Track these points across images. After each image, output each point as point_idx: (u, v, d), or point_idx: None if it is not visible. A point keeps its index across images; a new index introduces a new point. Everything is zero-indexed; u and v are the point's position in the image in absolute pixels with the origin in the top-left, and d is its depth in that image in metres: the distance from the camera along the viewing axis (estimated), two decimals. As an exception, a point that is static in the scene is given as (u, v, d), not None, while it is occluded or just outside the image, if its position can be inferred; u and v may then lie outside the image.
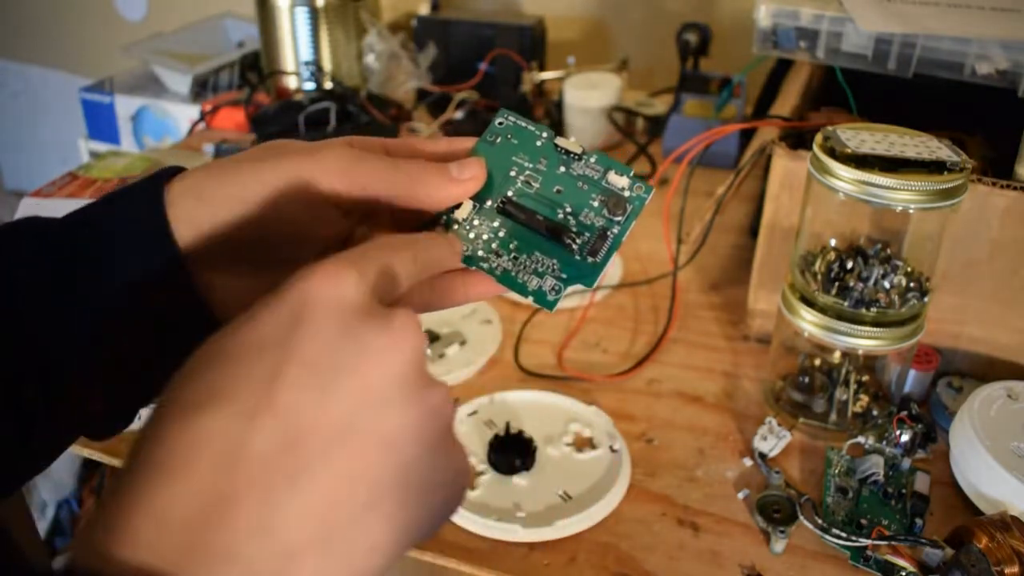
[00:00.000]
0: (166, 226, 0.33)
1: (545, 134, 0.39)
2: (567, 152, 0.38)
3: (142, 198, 0.34)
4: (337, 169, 0.34)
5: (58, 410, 0.34)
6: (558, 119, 1.08)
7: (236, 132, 1.10)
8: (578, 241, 0.37)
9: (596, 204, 0.37)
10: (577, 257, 0.36)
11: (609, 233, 0.37)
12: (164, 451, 0.24)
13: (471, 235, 0.37)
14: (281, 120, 1.02)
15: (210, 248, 0.33)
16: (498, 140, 0.39)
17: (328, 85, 1.09)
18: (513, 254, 0.37)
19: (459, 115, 1.09)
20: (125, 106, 1.22)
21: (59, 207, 0.78)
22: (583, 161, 0.38)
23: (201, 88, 1.20)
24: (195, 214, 0.33)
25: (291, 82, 1.11)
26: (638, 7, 1.31)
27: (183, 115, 1.19)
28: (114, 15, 1.76)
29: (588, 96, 1.07)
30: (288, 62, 1.10)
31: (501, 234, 0.37)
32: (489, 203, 0.38)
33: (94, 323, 0.33)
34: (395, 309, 0.27)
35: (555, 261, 0.36)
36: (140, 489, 0.23)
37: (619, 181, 0.37)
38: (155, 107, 1.21)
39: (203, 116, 1.13)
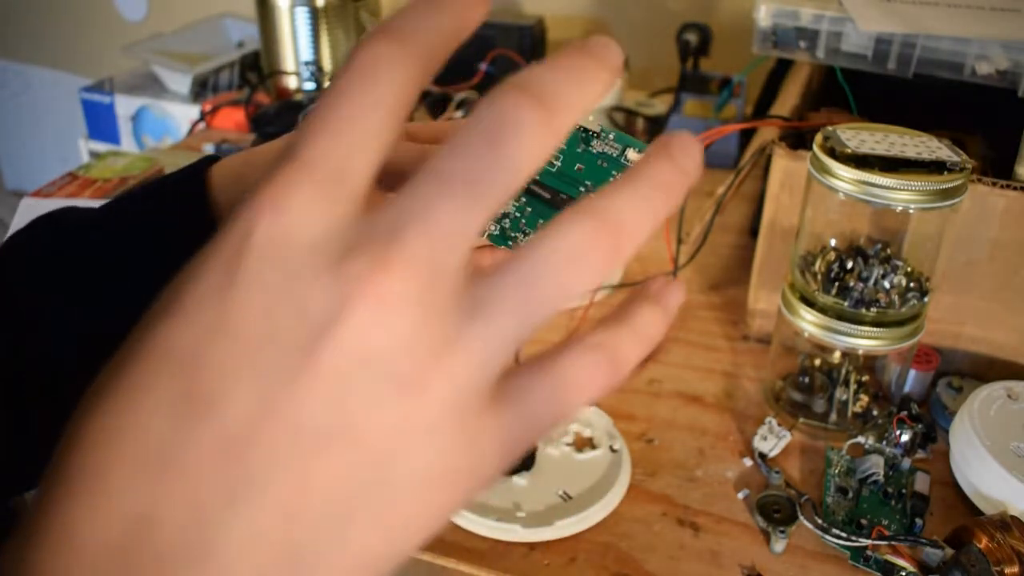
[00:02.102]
0: (210, 212, 0.34)
1: None
2: (586, 130, 0.39)
3: (185, 185, 0.34)
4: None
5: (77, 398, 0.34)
6: (558, 119, 1.08)
7: (236, 132, 1.10)
8: None
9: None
10: None
11: None
12: (77, 458, 0.18)
13: (498, 214, 0.38)
14: (281, 120, 1.02)
15: None
16: None
17: (328, 85, 1.08)
18: (532, 230, 0.38)
19: (459, 115, 1.09)
20: (125, 106, 1.22)
21: (59, 207, 0.78)
22: (601, 139, 0.39)
23: (201, 88, 1.20)
24: (235, 197, 0.34)
25: (291, 82, 1.11)
26: (638, 7, 1.31)
27: (183, 115, 1.19)
28: (114, 15, 1.76)
29: (588, 96, 1.06)
30: (288, 62, 1.10)
31: (527, 212, 0.38)
32: None
33: (137, 312, 0.33)
34: (369, 249, 0.18)
35: None
36: (51, 506, 0.18)
37: (637, 158, 0.38)
38: (155, 107, 1.21)
39: (203, 116, 1.13)
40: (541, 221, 0.38)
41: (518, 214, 0.38)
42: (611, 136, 0.39)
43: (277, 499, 0.18)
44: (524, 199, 0.38)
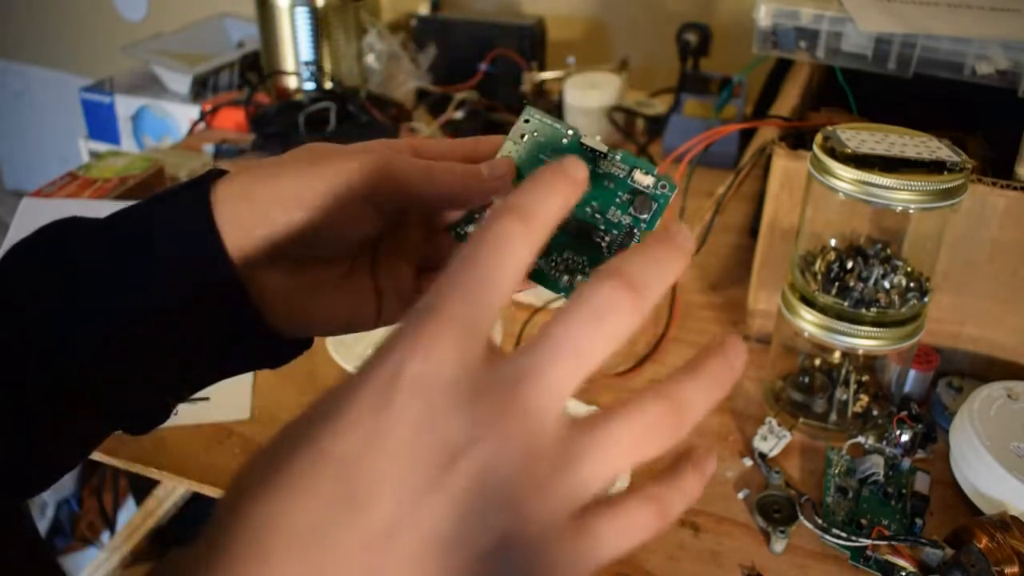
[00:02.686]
0: (214, 227, 0.34)
1: (571, 132, 0.39)
2: (592, 150, 0.39)
3: (189, 199, 0.35)
4: (375, 172, 0.35)
5: (97, 406, 0.34)
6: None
7: (236, 132, 1.10)
8: (607, 239, 0.37)
9: (622, 202, 0.38)
10: (606, 255, 0.37)
11: (636, 231, 0.38)
12: (241, 536, 0.22)
13: None
14: (281, 120, 1.02)
15: (254, 247, 0.34)
16: (524, 138, 0.39)
17: (328, 85, 1.09)
18: (544, 252, 0.37)
19: (459, 115, 1.09)
20: (125, 106, 1.22)
21: (59, 207, 0.78)
22: (608, 159, 0.39)
23: (201, 88, 1.20)
24: (241, 215, 0.34)
25: (291, 82, 1.11)
26: (638, 7, 1.31)
27: (183, 115, 1.19)
28: (114, 15, 1.76)
29: (588, 96, 1.07)
30: (288, 62, 1.10)
31: None
32: None
33: (137, 319, 0.33)
34: (494, 396, 0.23)
35: (585, 259, 0.37)
36: (220, 571, 0.22)
37: (644, 180, 0.38)
38: (155, 107, 1.21)
39: (203, 116, 1.13)
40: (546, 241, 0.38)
41: None
42: (618, 157, 0.39)
43: None
44: None
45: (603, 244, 0.37)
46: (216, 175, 0.36)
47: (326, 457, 0.23)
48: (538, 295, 0.75)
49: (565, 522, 0.24)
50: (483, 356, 0.24)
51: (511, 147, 0.39)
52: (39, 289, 0.33)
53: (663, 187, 0.38)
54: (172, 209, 0.35)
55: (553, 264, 0.37)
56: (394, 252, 0.39)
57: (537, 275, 0.37)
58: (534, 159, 0.39)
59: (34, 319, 0.33)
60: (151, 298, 0.33)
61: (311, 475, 0.23)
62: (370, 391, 0.23)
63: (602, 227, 0.38)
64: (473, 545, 0.23)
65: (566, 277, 0.37)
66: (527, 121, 0.40)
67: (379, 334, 0.28)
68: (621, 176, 0.38)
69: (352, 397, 0.24)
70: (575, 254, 0.37)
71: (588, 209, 0.38)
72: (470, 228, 0.39)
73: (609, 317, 0.24)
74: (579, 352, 0.24)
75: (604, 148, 0.39)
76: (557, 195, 0.27)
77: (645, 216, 0.38)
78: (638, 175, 0.38)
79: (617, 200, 0.38)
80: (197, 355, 0.36)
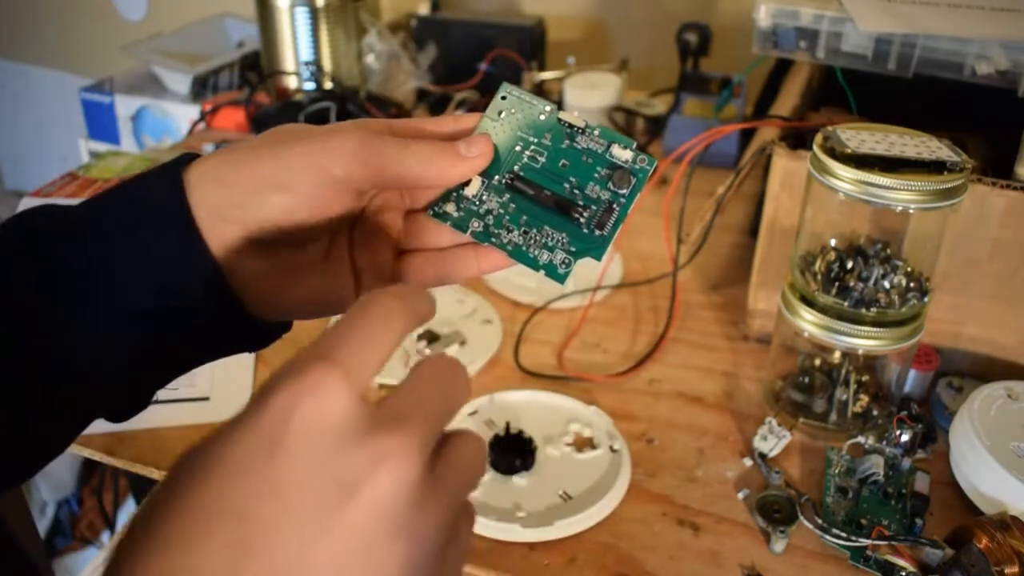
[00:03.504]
0: (187, 210, 0.34)
1: (548, 107, 0.39)
2: (571, 126, 0.38)
3: (161, 184, 0.34)
4: (351, 151, 0.34)
5: (76, 396, 0.34)
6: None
7: (236, 132, 1.10)
8: (585, 215, 0.37)
9: (601, 177, 0.38)
10: (585, 231, 0.37)
11: (615, 206, 0.37)
12: None
13: (481, 211, 0.38)
14: (281, 120, 1.02)
15: (229, 231, 0.34)
16: (502, 115, 0.39)
17: (328, 85, 1.09)
18: (523, 229, 0.37)
19: (459, 113, 1.09)
20: (125, 106, 1.22)
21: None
22: (586, 134, 0.38)
23: (201, 88, 1.20)
24: (215, 198, 0.34)
25: (291, 82, 1.11)
26: (638, 7, 1.31)
27: (183, 115, 1.19)
28: (114, 15, 1.76)
29: (588, 96, 1.07)
30: (288, 62, 1.10)
31: (510, 209, 0.38)
32: (497, 179, 0.38)
33: (115, 307, 0.33)
34: (385, 432, 0.24)
35: (564, 235, 0.37)
36: None
37: (623, 154, 0.38)
38: (155, 107, 1.21)
39: (203, 116, 1.13)
40: (525, 217, 0.37)
41: (501, 211, 0.38)
42: (596, 132, 0.38)
43: None
44: (508, 195, 0.38)
45: (581, 220, 0.37)
46: (187, 160, 0.35)
47: (219, 508, 0.23)
48: (539, 296, 0.75)
49: (451, 528, 0.26)
50: (366, 399, 0.25)
51: (489, 124, 0.39)
52: (17, 280, 0.33)
53: (642, 161, 0.38)
54: (144, 195, 0.34)
55: (533, 241, 0.37)
56: (372, 232, 0.38)
57: (517, 252, 0.37)
58: (512, 136, 0.39)
59: (15, 309, 0.33)
60: (127, 288, 0.33)
61: (206, 525, 0.22)
62: (262, 435, 0.23)
63: (580, 203, 0.37)
64: (381, 571, 0.23)
65: (545, 254, 0.37)
66: (504, 98, 0.39)
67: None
68: (599, 151, 0.38)
69: (243, 441, 0.23)
70: (554, 230, 0.37)
71: (566, 185, 0.38)
72: (448, 207, 0.38)
73: (454, 374, 0.28)
74: (445, 399, 0.27)
75: (582, 123, 0.38)
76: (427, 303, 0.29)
77: (624, 191, 0.37)
78: (616, 149, 0.38)
79: (596, 175, 0.38)
80: (175, 342, 0.35)
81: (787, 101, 0.73)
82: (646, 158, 0.38)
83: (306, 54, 1.09)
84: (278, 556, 0.22)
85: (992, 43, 0.62)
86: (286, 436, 0.23)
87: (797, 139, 0.65)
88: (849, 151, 0.52)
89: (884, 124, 0.56)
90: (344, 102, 1.02)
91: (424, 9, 1.26)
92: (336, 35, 1.09)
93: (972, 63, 0.63)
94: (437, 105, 1.12)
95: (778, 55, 0.71)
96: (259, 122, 1.04)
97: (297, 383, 0.24)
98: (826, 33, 0.67)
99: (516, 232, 0.37)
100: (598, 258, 0.37)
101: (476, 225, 0.38)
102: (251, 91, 1.11)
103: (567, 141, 0.38)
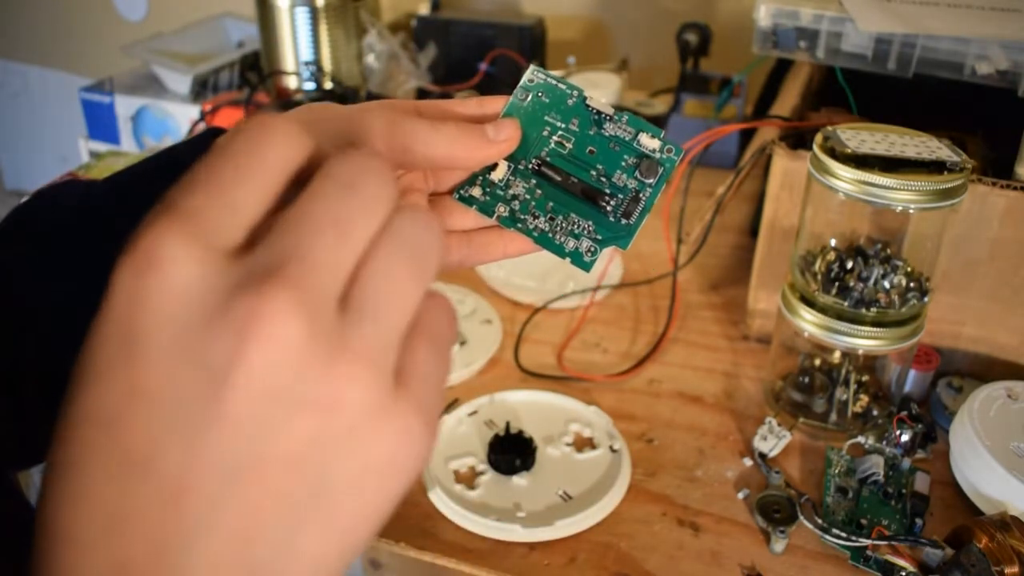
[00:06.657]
0: None
1: (576, 92, 0.39)
2: (599, 112, 0.38)
3: (192, 159, 0.34)
4: (378, 131, 0.34)
5: None
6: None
7: (236, 132, 1.10)
8: (612, 203, 0.37)
9: (628, 166, 0.37)
10: (611, 219, 0.37)
11: (641, 196, 0.37)
12: (50, 527, 0.20)
13: (507, 196, 0.38)
14: (281, 120, 1.02)
15: None
16: (529, 98, 0.39)
17: (328, 85, 1.09)
18: (549, 215, 0.37)
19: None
20: (125, 106, 1.22)
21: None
22: (614, 121, 0.38)
23: (201, 88, 1.20)
24: None
25: (291, 82, 1.11)
26: (638, 7, 1.31)
27: (183, 115, 1.19)
28: (114, 15, 1.76)
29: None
30: (288, 62, 1.10)
31: (537, 195, 0.38)
32: (524, 164, 0.38)
33: None
34: (248, 293, 0.20)
35: (590, 223, 0.37)
36: (40, 568, 0.20)
37: (650, 143, 0.37)
38: (155, 107, 1.21)
39: (203, 116, 1.13)
40: (551, 204, 0.37)
41: (528, 196, 0.38)
42: (624, 119, 0.38)
43: (227, 530, 0.20)
44: (534, 181, 0.38)
45: (608, 208, 0.37)
46: (215, 134, 0.35)
47: (90, 423, 0.20)
48: (539, 296, 0.75)
49: (382, 384, 0.21)
50: (229, 253, 0.21)
51: (516, 107, 0.39)
52: (35, 260, 0.33)
53: (669, 151, 0.37)
54: (176, 171, 0.34)
55: (559, 228, 0.37)
56: None
57: (543, 239, 0.37)
58: (539, 120, 0.38)
59: (30, 295, 0.32)
60: None
61: (86, 448, 0.20)
62: (114, 332, 0.20)
63: (607, 191, 0.37)
64: (276, 461, 0.20)
65: (572, 241, 0.37)
66: (531, 80, 0.39)
67: None
68: (627, 139, 0.38)
69: (99, 343, 0.20)
70: (580, 218, 0.37)
71: (593, 172, 0.37)
72: (474, 191, 0.38)
73: (360, 183, 0.22)
74: (338, 222, 0.21)
75: (610, 110, 0.38)
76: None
77: (651, 180, 0.37)
78: (644, 138, 0.37)
79: (623, 164, 0.37)
80: None
81: (787, 101, 0.73)
82: (673, 147, 0.38)
83: (306, 54, 1.09)
84: (163, 468, 0.19)
85: (992, 43, 0.62)
86: (136, 327, 0.20)
87: (797, 139, 0.65)
88: (849, 151, 0.52)
89: (884, 124, 0.56)
90: (344, 102, 1.02)
91: (424, 9, 1.26)
92: (336, 35, 1.09)
93: (972, 63, 0.63)
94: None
95: (778, 55, 0.71)
96: (259, 122, 1.04)
97: (133, 255, 0.20)
98: (826, 33, 0.67)
99: (542, 218, 0.37)
100: (624, 247, 0.37)
101: (503, 210, 0.38)
102: (251, 91, 1.11)
103: (594, 128, 0.38)
